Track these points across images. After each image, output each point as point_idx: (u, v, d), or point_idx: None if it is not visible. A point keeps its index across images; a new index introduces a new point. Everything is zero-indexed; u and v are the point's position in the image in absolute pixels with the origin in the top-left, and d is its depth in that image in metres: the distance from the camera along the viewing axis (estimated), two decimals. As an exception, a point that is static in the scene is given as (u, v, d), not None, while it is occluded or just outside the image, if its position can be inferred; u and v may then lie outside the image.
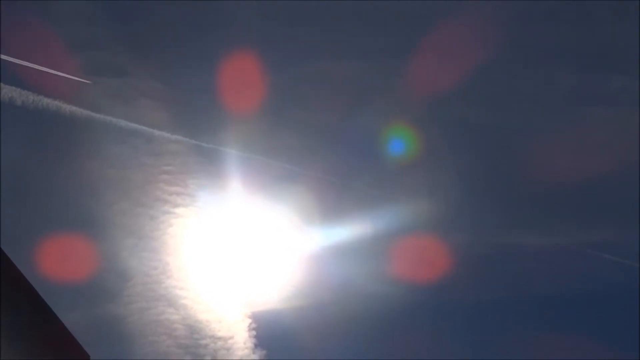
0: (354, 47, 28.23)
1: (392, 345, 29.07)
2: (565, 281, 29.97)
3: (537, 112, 29.00)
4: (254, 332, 28.08)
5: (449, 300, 30.02)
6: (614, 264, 28.92)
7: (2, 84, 25.46)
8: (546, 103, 28.77)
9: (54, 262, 24.38)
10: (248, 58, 27.01)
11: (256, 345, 27.89)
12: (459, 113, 29.03)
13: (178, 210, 28.08)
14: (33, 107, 25.96)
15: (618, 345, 27.51)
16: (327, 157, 29.36)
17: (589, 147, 27.27)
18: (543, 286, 30.13)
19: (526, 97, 28.88)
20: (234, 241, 29.51)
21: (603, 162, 26.65)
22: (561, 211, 29.82)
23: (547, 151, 27.73)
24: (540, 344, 27.48)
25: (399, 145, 28.80)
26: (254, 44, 27.33)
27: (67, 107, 26.55)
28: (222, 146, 28.72)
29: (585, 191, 28.68)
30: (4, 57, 25.04)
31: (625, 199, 27.78)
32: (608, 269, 29.13)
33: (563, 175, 27.08)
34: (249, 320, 28.27)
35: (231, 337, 27.99)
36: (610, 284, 29.55)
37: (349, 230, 29.02)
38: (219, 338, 27.90)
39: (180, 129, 28.04)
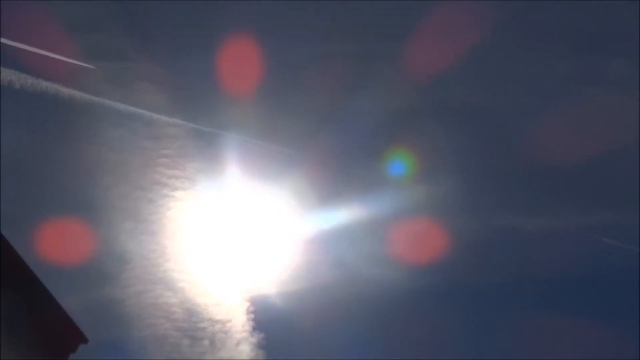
0: (353, 29, 28.14)
1: (389, 329, 29.16)
2: (565, 265, 30.02)
3: (537, 95, 28.90)
4: (251, 316, 28.23)
5: (448, 284, 30.14)
6: (614, 247, 28.93)
7: (1, 67, 25.48)
8: (545, 85, 28.63)
9: (53, 246, 24.40)
10: (247, 42, 26.92)
11: (254, 329, 28.04)
12: (458, 96, 28.93)
13: (177, 194, 28.12)
14: (32, 90, 25.97)
15: (618, 330, 27.47)
16: (325, 140, 29.33)
17: (589, 129, 27.14)
18: (543, 270, 30.22)
19: (525, 79, 28.75)
20: (232, 225, 29.63)
21: (603, 145, 26.55)
22: (561, 195, 29.85)
23: (547, 134, 27.59)
24: (540, 327, 27.58)
25: (399, 129, 28.81)
26: (253, 28, 27.27)
27: (65, 91, 26.53)
28: (221, 130, 28.75)
29: (585, 174, 28.66)
30: (2, 40, 25.05)
31: (625, 182, 27.68)
32: (608, 252, 29.16)
33: (562, 158, 27.00)
34: (247, 304, 28.43)
35: (229, 320, 28.12)
36: (610, 268, 29.60)
37: (346, 214, 29.09)
38: (217, 321, 28.04)
39: (179, 112, 28.06)
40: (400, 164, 28.81)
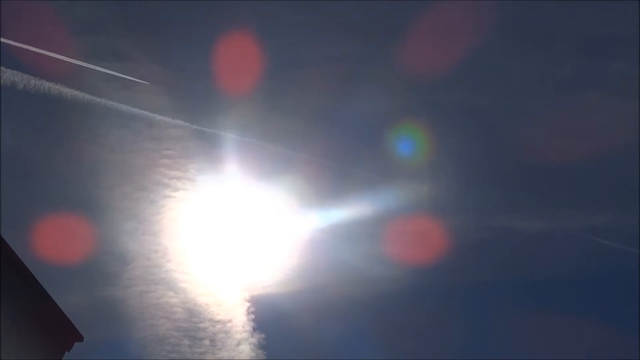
0: (352, 30, 28.19)
1: (388, 327, 29.24)
2: (563, 266, 30.07)
3: (536, 96, 28.87)
4: (252, 316, 28.32)
5: (446, 283, 30.23)
6: (613, 249, 28.90)
7: (4, 68, 25.63)
8: (545, 87, 28.65)
9: (56, 246, 24.63)
10: (248, 43, 27.01)
11: (254, 329, 28.13)
12: (457, 96, 28.96)
13: (178, 194, 28.23)
14: (35, 91, 26.12)
15: (617, 330, 27.44)
16: (325, 141, 29.42)
17: (589, 131, 27.15)
18: (541, 271, 30.26)
19: (525, 81, 28.76)
20: (234, 225, 29.72)
21: (602, 147, 26.53)
22: (560, 196, 29.82)
23: (547, 135, 27.68)
24: (538, 328, 27.57)
25: (397, 129, 28.82)
26: (253, 29, 27.36)
27: (68, 92, 26.68)
28: (223, 131, 28.85)
29: (584, 176, 28.69)
30: (5, 40, 25.20)
31: (624, 184, 27.70)
32: (607, 254, 29.12)
33: (562, 159, 27.05)
34: (248, 304, 28.51)
35: (230, 321, 28.21)
36: (609, 270, 29.56)
37: (346, 214, 29.11)
38: (218, 321, 28.13)
39: (181, 113, 28.17)
40: (398, 164, 28.91)
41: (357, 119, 29.25)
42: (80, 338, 15.29)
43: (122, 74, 27.38)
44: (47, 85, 26.29)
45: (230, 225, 29.64)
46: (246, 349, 27.78)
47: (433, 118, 28.99)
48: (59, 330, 14.64)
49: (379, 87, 28.74)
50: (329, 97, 28.77)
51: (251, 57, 27.02)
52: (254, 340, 27.87)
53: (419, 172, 29.32)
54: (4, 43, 25.24)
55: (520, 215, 29.95)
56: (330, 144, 29.64)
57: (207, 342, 27.80)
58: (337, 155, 29.96)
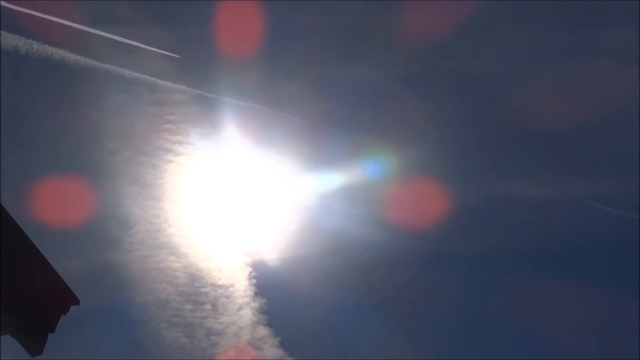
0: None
1: (389, 294, 29.38)
2: (563, 233, 29.99)
3: (535, 62, 28.71)
4: (253, 281, 28.42)
5: (447, 250, 30.16)
6: (613, 215, 28.86)
7: (6, 33, 25.62)
8: (544, 52, 28.43)
9: (58, 210, 24.79)
10: (250, 8, 26.89)
11: (256, 294, 28.26)
12: (456, 63, 28.81)
13: (180, 159, 28.29)
14: (37, 56, 26.13)
15: (616, 300, 27.43)
16: (326, 106, 29.43)
17: (588, 97, 27.02)
18: (541, 238, 30.21)
19: (524, 46, 28.60)
20: (235, 190, 29.80)
21: (602, 113, 26.41)
22: (561, 162, 29.74)
23: (546, 102, 27.54)
24: (538, 295, 27.59)
25: (398, 95, 28.79)
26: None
27: (71, 56, 26.69)
28: (225, 96, 28.85)
29: (584, 142, 28.55)
30: (6, 4, 25.16)
31: (624, 150, 27.58)
32: (607, 220, 29.10)
33: (561, 126, 26.85)
34: (249, 269, 28.59)
35: (231, 285, 28.34)
36: (610, 236, 29.48)
37: (347, 180, 29.16)
38: (219, 286, 28.27)
39: (183, 78, 28.15)
40: (399, 129, 28.91)
41: (358, 84, 29.27)
42: (76, 301, 15.24)
43: (125, 38, 27.37)
44: (49, 49, 26.32)
45: (232, 190, 29.76)
46: (248, 314, 27.98)
47: (434, 84, 28.96)
48: (54, 293, 14.68)
49: (380, 53, 28.67)
50: (331, 63, 28.73)
51: (254, 22, 26.90)
52: (255, 305, 28.05)
53: (420, 138, 29.35)
54: (6, 7, 25.24)
55: (520, 181, 29.94)
56: (331, 110, 29.67)
57: (208, 306, 28.02)
58: (338, 120, 29.98)
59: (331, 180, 29.36)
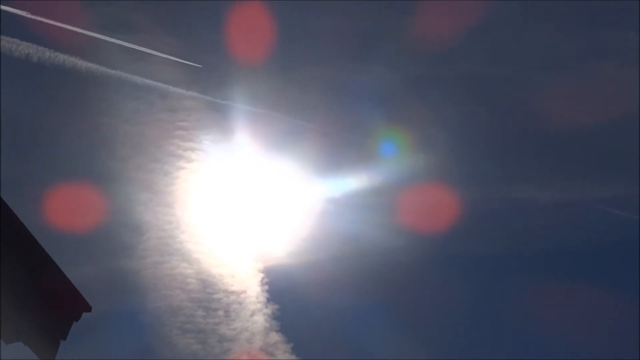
0: (365, 1, 28.07)
1: (402, 299, 29.29)
2: (573, 237, 29.87)
3: (548, 67, 28.64)
4: (266, 287, 28.35)
5: (459, 254, 30.16)
6: (626, 219, 28.71)
7: (19, 40, 25.73)
8: (557, 57, 28.37)
9: (71, 217, 24.82)
10: (261, 14, 26.93)
11: (268, 300, 28.21)
12: (469, 66, 28.80)
13: (192, 166, 28.31)
14: (49, 63, 26.22)
15: (631, 301, 27.29)
16: (338, 112, 29.45)
17: (601, 102, 26.90)
18: (551, 241, 30.10)
19: (539, 50, 28.50)
20: (247, 196, 29.78)
21: (616, 117, 26.31)
22: (573, 166, 29.64)
23: (557, 106, 27.44)
24: (550, 298, 27.50)
25: (410, 99, 28.78)
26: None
27: (82, 64, 26.77)
28: (236, 102, 28.88)
29: (597, 146, 28.44)
30: (19, 12, 25.28)
31: (635, 154, 27.42)
32: (620, 224, 28.97)
33: (575, 130, 26.81)
34: (262, 275, 28.52)
35: (244, 292, 28.29)
36: (623, 241, 29.32)
37: (360, 184, 29.14)
38: (232, 292, 28.22)
39: (194, 85, 28.20)
40: (411, 134, 28.87)
41: (369, 90, 29.22)
42: (88, 308, 15.17)
43: (137, 45, 27.44)
44: (61, 57, 26.41)
45: (244, 196, 29.75)
46: (260, 320, 27.93)
47: (445, 88, 28.90)
48: (66, 300, 14.64)
49: (391, 58, 28.67)
50: (342, 69, 28.74)
51: (265, 28, 26.92)
52: (268, 311, 27.99)
53: (431, 142, 29.30)
54: (18, 15, 25.36)
55: (533, 185, 29.88)
56: (343, 115, 29.66)
57: (221, 312, 27.97)
58: (349, 126, 29.97)
59: (343, 185, 29.38)
